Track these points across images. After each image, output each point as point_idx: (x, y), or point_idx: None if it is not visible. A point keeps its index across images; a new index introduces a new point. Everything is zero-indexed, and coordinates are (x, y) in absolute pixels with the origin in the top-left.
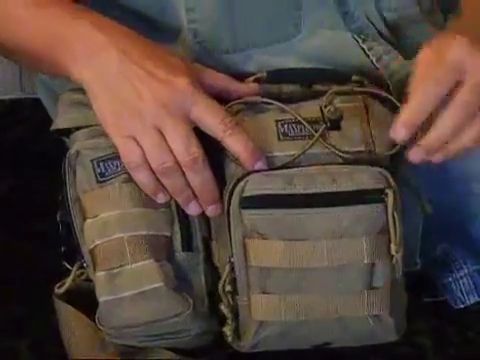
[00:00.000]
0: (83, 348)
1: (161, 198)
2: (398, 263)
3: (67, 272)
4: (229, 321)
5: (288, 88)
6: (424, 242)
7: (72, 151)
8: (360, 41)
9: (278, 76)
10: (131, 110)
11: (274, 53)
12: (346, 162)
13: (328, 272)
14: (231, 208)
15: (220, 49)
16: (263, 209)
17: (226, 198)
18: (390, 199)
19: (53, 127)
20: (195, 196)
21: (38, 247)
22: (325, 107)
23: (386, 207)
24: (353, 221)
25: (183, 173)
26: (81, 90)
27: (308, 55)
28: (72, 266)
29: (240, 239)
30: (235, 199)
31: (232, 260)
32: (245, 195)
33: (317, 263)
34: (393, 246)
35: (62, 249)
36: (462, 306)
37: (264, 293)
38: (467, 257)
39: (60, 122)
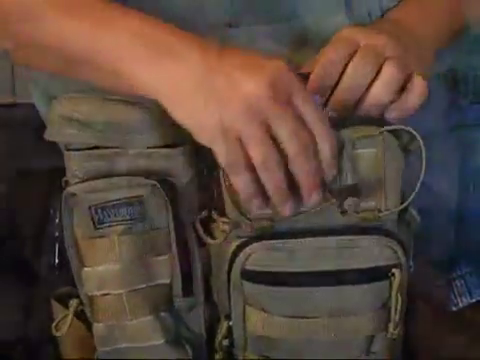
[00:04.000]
0: None
1: (256, 205)
2: (398, 333)
3: (62, 279)
4: None
5: None
6: (416, 244)
7: (68, 192)
8: None
9: None
10: (231, 107)
11: (267, 35)
12: (353, 228)
13: (328, 343)
14: (232, 276)
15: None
16: (265, 285)
17: (226, 265)
18: (396, 279)
19: (47, 137)
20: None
21: (33, 253)
22: (340, 175)
23: (391, 285)
24: (357, 299)
25: (285, 168)
26: (80, 97)
27: (302, 41)
28: (64, 274)
29: (240, 305)
30: (236, 269)
31: (230, 323)
32: (247, 268)
33: (317, 338)
34: (391, 325)
35: (55, 262)
36: (455, 308)
37: (261, 356)
38: (460, 259)
39: (54, 134)
